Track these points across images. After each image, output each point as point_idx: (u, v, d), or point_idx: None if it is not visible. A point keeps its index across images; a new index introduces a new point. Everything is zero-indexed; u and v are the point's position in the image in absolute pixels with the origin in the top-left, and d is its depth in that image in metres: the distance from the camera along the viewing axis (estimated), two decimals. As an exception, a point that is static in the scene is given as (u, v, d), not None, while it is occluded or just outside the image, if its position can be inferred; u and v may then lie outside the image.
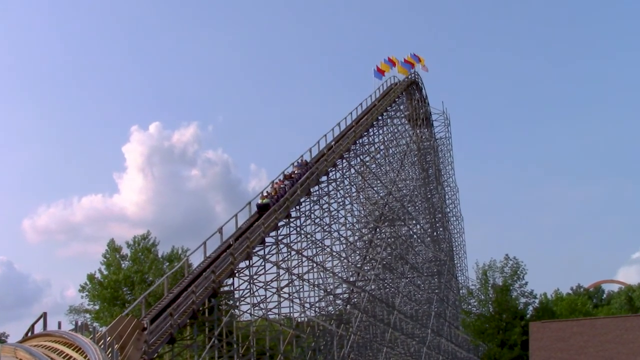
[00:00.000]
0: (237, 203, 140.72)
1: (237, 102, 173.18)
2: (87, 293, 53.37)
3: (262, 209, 39.44)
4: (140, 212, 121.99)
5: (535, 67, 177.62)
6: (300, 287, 44.11)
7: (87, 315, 54.51)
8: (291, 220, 42.37)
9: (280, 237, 40.69)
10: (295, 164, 46.01)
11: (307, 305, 45.14)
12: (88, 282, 53.29)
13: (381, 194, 59.28)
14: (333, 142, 50.70)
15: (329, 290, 47.30)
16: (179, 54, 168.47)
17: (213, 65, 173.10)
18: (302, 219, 44.46)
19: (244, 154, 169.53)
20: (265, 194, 41.41)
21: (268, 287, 39.39)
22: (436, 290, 67.02)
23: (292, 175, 44.29)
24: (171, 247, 56.37)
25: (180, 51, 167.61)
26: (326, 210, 48.05)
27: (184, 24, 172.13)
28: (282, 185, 42.44)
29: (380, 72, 68.88)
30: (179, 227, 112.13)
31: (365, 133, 56.38)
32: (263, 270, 39.24)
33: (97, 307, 53.09)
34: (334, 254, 48.53)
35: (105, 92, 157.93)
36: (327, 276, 47.49)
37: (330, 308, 49.12)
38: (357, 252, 54.31)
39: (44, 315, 23.48)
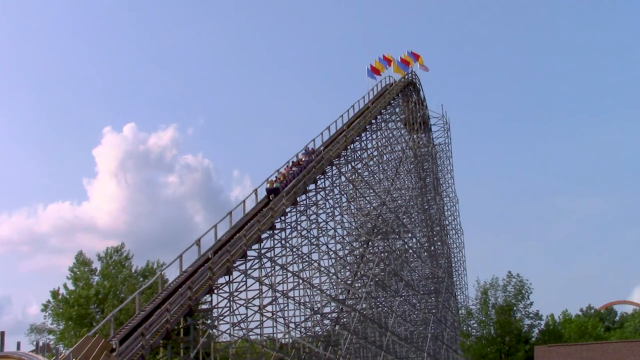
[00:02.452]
0: (218, 212, 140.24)
1: (220, 103, 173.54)
2: (50, 311, 53.00)
3: (272, 192, 43.18)
4: (112, 222, 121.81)
5: (544, 68, 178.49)
6: (285, 305, 44.11)
7: (50, 336, 54.09)
8: (275, 232, 42.36)
9: (263, 251, 40.69)
10: (303, 151, 48.88)
11: (292, 325, 45.10)
12: (52, 299, 52.94)
13: (374, 205, 59.33)
14: (322, 148, 50.78)
15: (316, 309, 47.28)
16: (157, 50, 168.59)
17: (194, 62, 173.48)
18: (288, 231, 44.51)
19: (226, 160, 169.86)
20: (274, 178, 44.59)
21: (249, 305, 39.36)
22: (433, 310, 67.06)
23: (300, 162, 47.30)
24: (146, 261, 56.23)
25: (158, 46, 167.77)
26: (314, 221, 48.08)
27: (163, 16, 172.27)
28: (290, 172, 45.49)
29: (374, 72, 69.11)
30: (155, 239, 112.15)
31: (358, 138, 56.50)
32: (244, 287, 39.24)
33: (61, 327, 52.72)
34: (322, 269, 48.53)
35: (75, 90, 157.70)
36: (314, 294, 47.50)
37: (317, 328, 49.09)
38: (347, 267, 54.30)
39: (1, 335, 23.34)
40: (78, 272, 53.73)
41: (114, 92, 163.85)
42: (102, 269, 54.10)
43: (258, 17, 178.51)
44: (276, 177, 45.03)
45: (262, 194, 44.10)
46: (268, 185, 44.02)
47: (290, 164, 47.27)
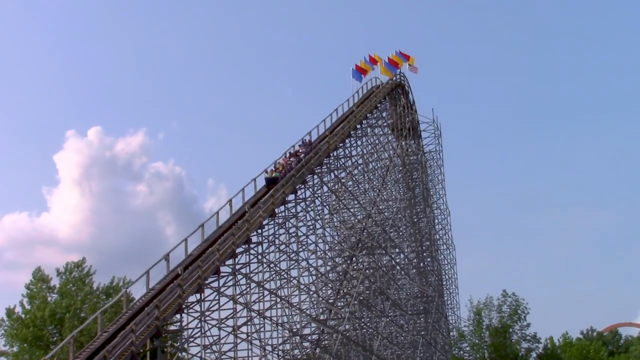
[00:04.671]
0: (191, 224, 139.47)
1: (194, 106, 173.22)
2: (3, 331, 52.71)
3: (271, 182, 45.97)
4: (74, 234, 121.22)
5: (545, 69, 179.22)
6: (261, 326, 44.22)
7: (3, 359, 53.81)
8: (251, 246, 42.34)
9: (237, 267, 40.69)
10: (300, 143, 52.61)
11: (269, 348, 45.10)
12: (6, 318, 52.63)
13: (359, 217, 59.42)
14: (303, 155, 50.86)
15: (295, 330, 47.24)
16: (126, 47, 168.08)
17: (167, 61, 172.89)
18: (265, 245, 44.46)
19: (200, 168, 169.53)
20: (272, 168, 47.76)
21: (222, 325, 39.32)
22: (422, 332, 67.19)
23: (297, 154, 50.70)
24: (111, 278, 55.94)
25: (128, 43, 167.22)
26: (293, 235, 48.08)
27: (133, 11, 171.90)
28: (288, 162, 48.88)
29: (359, 73, 69.32)
30: (122, 253, 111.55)
31: (341, 144, 56.58)
32: (217, 306, 39.16)
33: (15, 349, 52.44)
34: (302, 287, 48.56)
35: (35, 89, 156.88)
36: (293, 313, 47.45)
37: (296, 352, 49.03)
38: (329, 285, 54.35)
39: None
40: (35, 290, 53.40)
41: (78, 92, 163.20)
42: (61, 286, 53.76)
43: (236, 16, 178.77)
44: (275, 167, 47.68)
45: (237, 204, 44.14)
46: (267, 174, 46.73)
47: (288, 154, 50.15)
